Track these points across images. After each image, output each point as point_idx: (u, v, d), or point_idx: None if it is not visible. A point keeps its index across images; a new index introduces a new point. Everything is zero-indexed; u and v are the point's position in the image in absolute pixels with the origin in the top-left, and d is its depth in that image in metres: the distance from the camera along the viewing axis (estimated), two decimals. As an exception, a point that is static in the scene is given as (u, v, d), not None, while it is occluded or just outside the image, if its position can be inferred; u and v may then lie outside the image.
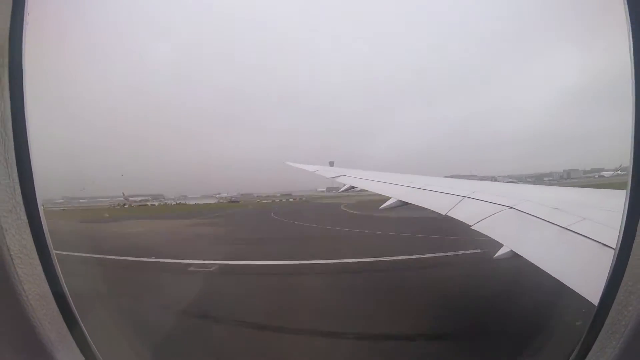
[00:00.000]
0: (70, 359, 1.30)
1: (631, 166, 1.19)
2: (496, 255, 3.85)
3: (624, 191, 1.24)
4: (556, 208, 3.87)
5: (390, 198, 6.03)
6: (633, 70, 1.15)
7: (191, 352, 4.82)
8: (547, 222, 3.53)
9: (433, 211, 5.22)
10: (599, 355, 1.22)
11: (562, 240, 3.13)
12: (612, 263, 1.28)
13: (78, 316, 1.38)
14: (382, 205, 6.10)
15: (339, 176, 8.03)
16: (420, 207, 5.56)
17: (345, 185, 7.42)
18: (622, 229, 1.23)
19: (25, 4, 1.23)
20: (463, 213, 4.74)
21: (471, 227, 4.24)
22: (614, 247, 1.28)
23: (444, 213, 4.97)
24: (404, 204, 5.89)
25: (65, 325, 1.31)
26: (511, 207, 4.27)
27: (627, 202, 1.21)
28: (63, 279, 1.35)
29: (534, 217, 3.81)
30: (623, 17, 1.16)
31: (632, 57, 1.15)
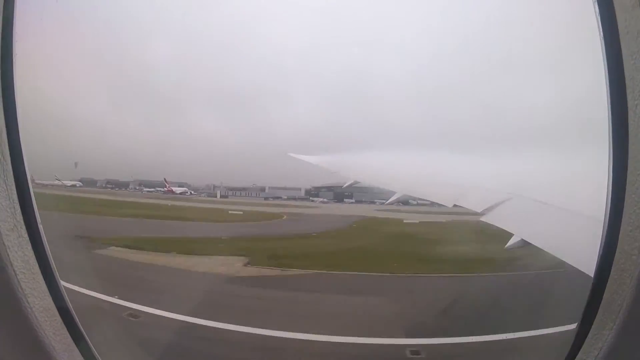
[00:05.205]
0: None
1: (611, 153, 1.18)
2: (507, 245, 3.81)
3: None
4: (560, 192, 3.81)
5: (395, 193, 6.00)
6: (607, 77, 1.15)
7: None
8: (556, 207, 3.48)
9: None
10: (598, 338, 1.21)
11: (571, 223, 3.09)
12: (601, 242, 1.26)
13: (82, 328, 1.44)
14: (386, 201, 6.10)
15: (340, 170, 7.69)
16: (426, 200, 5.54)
17: (349, 180, 7.29)
18: (608, 208, 1.21)
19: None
20: (469, 204, 4.70)
21: (480, 220, 4.22)
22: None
23: (450, 205, 4.96)
24: (409, 198, 5.87)
25: (70, 336, 1.37)
26: (517, 195, 4.21)
27: (610, 180, 1.20)
28: (65, 293, 1.40)
29: (541, 204, 3.75)
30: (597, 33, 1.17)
31: (605, 61, 1.15)
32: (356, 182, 7.18)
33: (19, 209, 1.27)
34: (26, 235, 1.28)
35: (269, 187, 39.88)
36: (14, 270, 1.20)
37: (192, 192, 38.23)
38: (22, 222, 1.28)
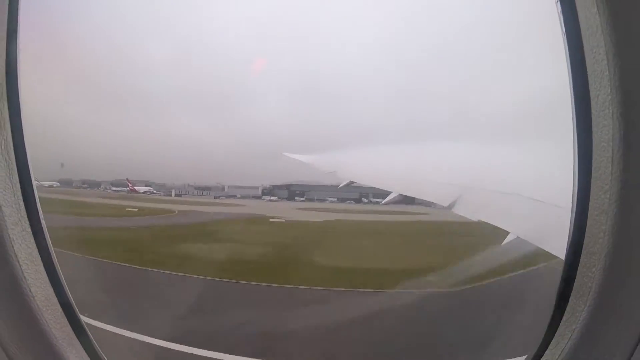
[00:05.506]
0: (74, 354, 1.43)
1: (576, 141, 1.24)
2: (503, 243, 3.85)
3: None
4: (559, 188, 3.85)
5: (392, 193, 6.01)
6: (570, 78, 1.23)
7: None
8: (553, 206, 3.51)
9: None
10: (572, 321, 1.27)
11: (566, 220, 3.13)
12: (570, 227, 1.31)
13: (79, 315, 1.53)
14: (383, 200, 6.11)
15: (335, 170, 7.61)
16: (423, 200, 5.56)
17: (344, 181, 7.27)
18: (575, 194, 1.27)
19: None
20: (466, 205, 4.70)
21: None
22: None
23: (446, 205, 4.96)
24: (405, 198, 5.87)
25: (69, 324, 1.46)
26: (515, 194, 4.24)
27: (576, 167, 1.26)
28: (65, 283, 1.49)
29: (539, 202, 3.78)
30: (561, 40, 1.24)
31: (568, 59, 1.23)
32: (352, 182, 7.20)
33: (23, 204, 1.37)
34: (29, 229, 1.38)
35: (228, 186, 40.82)
36: (18, 261, 1.30)
37: (154, 191, 39.67)
38: (25, 216, 1.37)
